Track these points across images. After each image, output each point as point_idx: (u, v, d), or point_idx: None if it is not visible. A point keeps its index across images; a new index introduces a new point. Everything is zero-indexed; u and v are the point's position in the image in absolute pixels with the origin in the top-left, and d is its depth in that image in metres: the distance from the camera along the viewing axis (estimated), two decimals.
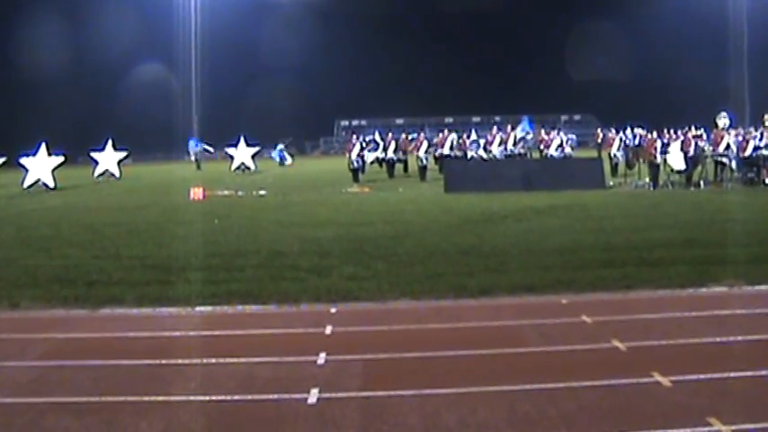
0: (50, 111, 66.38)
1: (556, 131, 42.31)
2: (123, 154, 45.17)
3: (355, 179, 35.03)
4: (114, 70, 72.76)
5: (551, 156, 38.81)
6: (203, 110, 75.21)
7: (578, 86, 78.57)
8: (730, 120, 29.33)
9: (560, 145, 39.61)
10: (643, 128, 30.39)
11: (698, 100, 56.89)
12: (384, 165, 39.69)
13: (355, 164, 36.20)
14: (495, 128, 41.99)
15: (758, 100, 64.95)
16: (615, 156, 37.52)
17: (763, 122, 29.64)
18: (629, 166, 32.03)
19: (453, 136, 40.17)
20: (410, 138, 40.46)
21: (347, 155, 37.54)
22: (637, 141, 32.92)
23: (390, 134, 41.98)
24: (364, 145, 38.72)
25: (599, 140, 44.55)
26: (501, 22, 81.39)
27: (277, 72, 76.37)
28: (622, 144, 39.56)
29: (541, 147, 39.86)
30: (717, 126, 29.09)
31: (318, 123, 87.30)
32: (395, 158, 39.64)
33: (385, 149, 39.58)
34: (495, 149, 38.21)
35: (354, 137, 39.40)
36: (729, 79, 71.73)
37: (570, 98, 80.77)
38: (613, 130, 41.39)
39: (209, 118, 72.41)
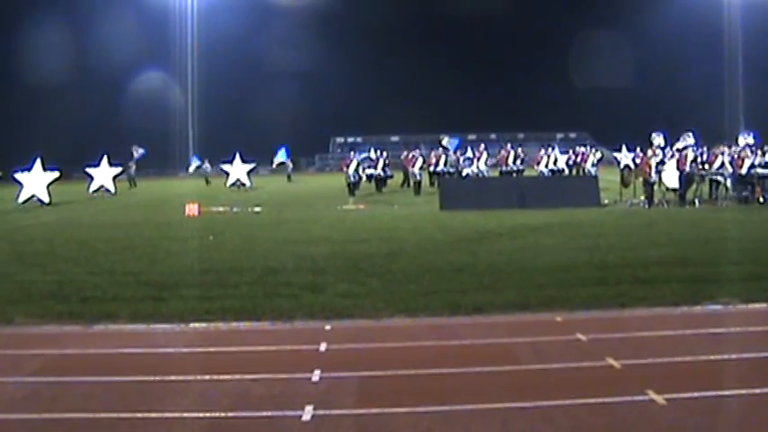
0: (45, 126, 66.47)
1: (544, 149, 43.30)
2: (118, 170, 45.21)
3: (351, 193, 35.87)
4: (110, 85, 72.85)
5: (542, 173, 39.59)
6: (199, 126, 75.34)
7: (574, 105, 78.90)
8: (666, 139, 29.48)
9: (548, 163, 40.42)
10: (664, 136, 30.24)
11: (694, 114, 57.08)
12: (372, 180, 40.83)
13: (352, 178, 37.15)
14: (482, 145, 42.66)
15: (753, 113, 65.36)
16: (588, 171, 38.56)
17: (650, 142, 29.75)
18: (624, 184, 32.13)
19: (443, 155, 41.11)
20: (411, 155, 41.18)
21: (345, 170, 38.26)
22: (632, 160, 33.19)
23: (380, 151, 43.38)
24: (360, 161, 39.83)
25: (577, 158, 45.49)
26: (496, 42, 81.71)
27: (272, 90, 76.54)
28: (596, 161, 40.85)
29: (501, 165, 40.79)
30: (651, 144, 29.20)
31: (314, 140, 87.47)
32: (383, 174, 40.88)
33: (375, 166, 40.77)
34: (482, 166, 38.92)
35: (352, 153, 40.21)
36: (724, 93, 72.13)
37: (566, 116, 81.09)
38: (588, 147, 42.62)
39: (206, 134, 72.56)
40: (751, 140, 31.28)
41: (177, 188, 51.16)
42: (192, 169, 57.90)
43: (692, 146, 29.67)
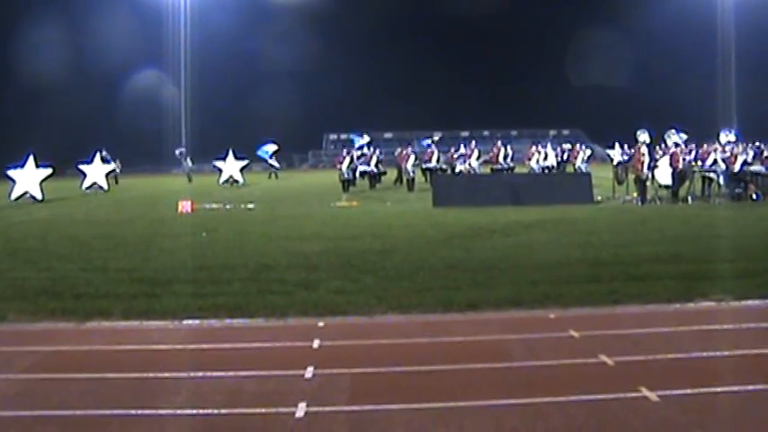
0: (38, 123, 66.32)
1: (536, 146, 43.51)
2: (111, 166, 45.17)
3: (345, 189, 36.09)
4: (103, 82, 72.72)
5: (532, 169, 39.75)
6: (193, 123, 75.24)
7: (567, 102, 78.95)
8: (651, 136, 29.48)
9: (543, 158, 40.57)
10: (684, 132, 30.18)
11: (687, 112, 57.19)
12: (366, 176, 41.19)
13: (346, 175, 37.43)
14: (473, 142, 42.83)
15: (746, 112, 65.52)
16: (579, 168, 38.82)
17: (635, 139, 29.85)
18: (618, 181, 32.19)
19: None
20: (404, 152, 41.34)
21: (338, 167, 38.47)
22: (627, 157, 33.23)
23: (372, 148, 43.71)
24: (355, 158, 40.14)
25: (563, 155, 45.65)
26: (489, 39, 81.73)
27: (266, 86, 76.51)
28: (586, 157, 41.10)
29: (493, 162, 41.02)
30: (636, 141, 29.26)
31: (307, 137, 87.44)
32: (376, 171, 41.29)
33: (368, 163, 41.15)
34: (474, 163, 39.08)
35: (345, 150, 40.43)
36: (718, 91, 72.25)
37: (559, 113, 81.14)
38: (579, 144, 42.94)
39: (199, 130, 72.47)
40: (732, 137, 31.36)
41: (170, 185, 51.13)
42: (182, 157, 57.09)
43: (681, 142, 29.70)
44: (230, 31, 73.14)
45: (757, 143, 34.12)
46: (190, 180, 54.72)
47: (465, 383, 8.17)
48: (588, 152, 44.92)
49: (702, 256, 15.48)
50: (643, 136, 29.29)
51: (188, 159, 57.24)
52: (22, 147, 38.55)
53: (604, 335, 10.00)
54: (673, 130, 29.47)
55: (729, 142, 30.78)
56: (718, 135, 31.96)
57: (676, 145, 29.18)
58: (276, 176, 57.82)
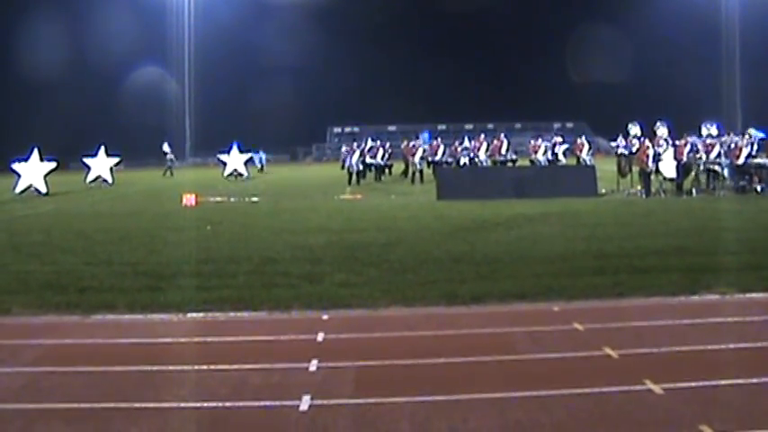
0: (43, 116, 66.36)
1: (541, 138, 43.27)
2: (116, 160, 45.21)
3: (357, 182, 37.04)
4: (107, 76, 72.73)
5: (538, 162, 39.64)
6: (196, 116, 75.22)
7: (571, 94, 78.84)
8: (669, 129, 29.35)
9: (546, 152, 40.47)
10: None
11: (691, 106, 57.06)
12: (372, 169, 41.45)
13: (354, 167, 37.68)
14: (482, 135, 42.77)
15: (749, 105, 65.41)
16: (584, 160, 38.70)
17: (627, 131, 29.88)
18: (621, 174, 32.10)
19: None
20: (411, 144, 41.44)
21: (346, 159, 38.79)
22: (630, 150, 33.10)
23: (378, 141, 43.92)
24: (366, 151, 40.46)
25: (554, 148, 45.46)
26: (493, 31, 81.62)
27: (270, 79, 76.46)
28: (591, 150, 40.96)
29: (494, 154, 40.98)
30: (655, 134, 29.19)
31: (311, 130, 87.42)
32: (382, 164, 41.54)
33: (375, 155, 41.41)
34: (482, 156, 39.06)
35: (354, 143, 40.66)
36: (722, 85, 72.10)
37: (564, 106, 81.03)
38: (582, 137, 42.77)
39: (203, 124, 72.43)
40: (714, 131, 31.22)
41: (174, 179, 51.18)
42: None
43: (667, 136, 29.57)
44: (233, 25, 73.09)
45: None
46: (171, 174, 54.75)
47: (469, 376, 8.18)
48: (586, 145, 44.64)
49: (707, 248, 15.45)
50: (635, 129, 29.25)
51: (169, 152, 57.21)
52: (26, 140, 38.57)
53: (609, 327, 10.00)
54: (658, 122, 29.37)
55: (711, 135, 30.61)
56: (700, 128, 31.73)
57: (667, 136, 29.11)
58: (262, 169, 58.04)
